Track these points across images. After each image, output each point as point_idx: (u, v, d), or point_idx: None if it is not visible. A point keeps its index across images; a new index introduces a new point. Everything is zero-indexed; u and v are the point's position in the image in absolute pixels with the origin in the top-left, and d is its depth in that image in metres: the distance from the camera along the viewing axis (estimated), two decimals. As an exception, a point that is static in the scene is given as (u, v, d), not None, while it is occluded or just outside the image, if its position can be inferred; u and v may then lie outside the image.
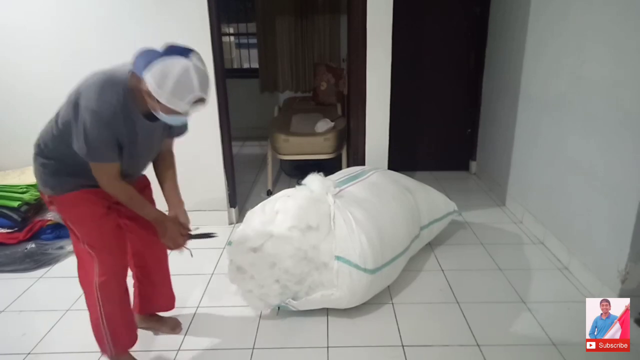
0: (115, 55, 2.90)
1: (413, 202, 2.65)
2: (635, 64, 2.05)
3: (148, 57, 1.48)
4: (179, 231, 1.80)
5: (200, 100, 1.50)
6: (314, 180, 2.35)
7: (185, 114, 1.52)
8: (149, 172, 1.92)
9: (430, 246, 2.87)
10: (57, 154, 1.67)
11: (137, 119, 1.60)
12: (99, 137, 1.52)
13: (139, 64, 1.48)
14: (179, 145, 3.07)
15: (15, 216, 2.74)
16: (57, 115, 1.67)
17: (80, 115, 1.51)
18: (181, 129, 1.88)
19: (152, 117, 1.60)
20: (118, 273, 1.81)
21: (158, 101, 1.47)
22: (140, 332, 2.01)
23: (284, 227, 2.12)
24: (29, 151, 3.07)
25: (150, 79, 1.44)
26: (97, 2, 2.83)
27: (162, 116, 1.54)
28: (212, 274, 2.65)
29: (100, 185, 1.65)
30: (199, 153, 3.11)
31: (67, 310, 2.33)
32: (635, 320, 2.09)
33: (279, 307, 2.22)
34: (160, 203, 1.91)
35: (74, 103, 1.54)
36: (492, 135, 3.81)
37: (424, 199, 2.76)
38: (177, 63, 1.43)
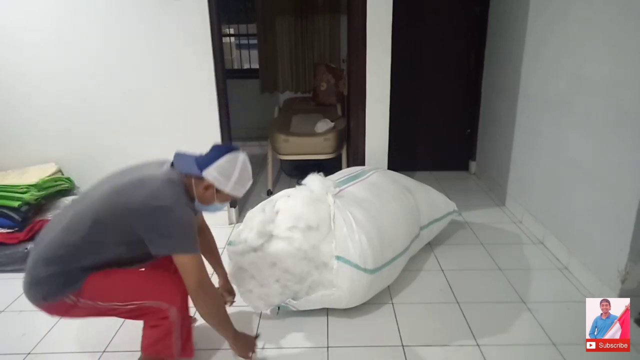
0: (115, 55, 2.94)
1: (413, 202, 2.65)
2: (635, 64, 2.05)
3: (196, 159, 1.70)
4: (248, 344, 1.88)
5: (249, 183, 1.78)
6: (314, 180, 2.36)
7: (237, 196, 1.77)
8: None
9: (430, 246, 2.87)
10: (82, 259, 1.62)
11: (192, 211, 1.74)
12: (189, 226, 1.64)
13: (189, 165, 1.69)
14: (179, 144, 3.07)
15: (15, 216, 2.74)
16: (91, 226, 1.60)
17: (167, 216, 1.58)
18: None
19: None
20: (181, 289, 1.71)
21: (218, 192, 1.70)
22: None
23: (284, 227, 2.12)
24: (29, 151, 3.12)
25: (215, 174, 1.66)
26: (97, 3, 2.83)
27: (216, 206, 1.77)
28: (212, 273, 2.64)
29: (189, 292, 1.66)
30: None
31: (67, 310, 2.32)
32: (635, 320, 2.09)
33: (279, 307, 2.22)
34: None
35: (150, 209, 1.57)
36: (492, 135, 3.81)
37: (424, 199, 2.76)
38: (237, 157, 1.70)
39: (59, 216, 1.74)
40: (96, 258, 1.64)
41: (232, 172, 1.67)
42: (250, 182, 1.76)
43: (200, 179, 1.67)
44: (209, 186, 1.68)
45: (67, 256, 1.61)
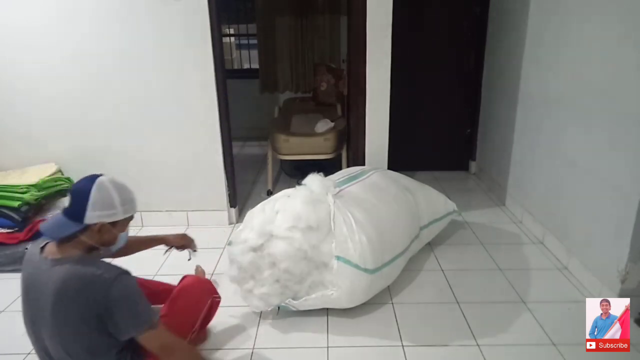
0: (115, 56, 2.94)
1: (413, 202, 2.65)
2: (635, 63, 2.05)
3: (59, 218, 1.48)
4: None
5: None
6: (314, 180, 2.35)
7: (135, 212, 1.60)
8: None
9: (430, 246, 2.87)
10: None
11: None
12: (138, 288, 1.50)
13: (63, 227, 1.46)
14: (179, 144, 3.09)
15: (15, 216, 2.74)
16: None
17: (120, 292, 1.41)
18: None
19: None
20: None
21: (114, 224, 1.51)
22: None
23: (284, 227, 2.12)
24: (29, 151, 3.12)
25: (98, 213, 1.45)
26: (98, 3, 2.83)
27: (120, 237, 1.60)
28: (212, 273, 2.65)
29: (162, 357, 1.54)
30: (199, 153, 3.11)
31: (67, 310, 2.32)
32: (635, 320, 2.10)
33: (279, 307, 2.22)
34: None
35: (93, 308, 1.40)
36: (492, 135, 3.81)
37: (424, 199, 2.76)
38: (102, 182, 1.48)
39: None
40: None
41: (110, 198, 1.47)
42: (132, 192, 1.57)
43: (86, 228, 1.46)
44: (101, 227, 1.47)
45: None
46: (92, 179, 1.49)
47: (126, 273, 1.47)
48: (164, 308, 1.83)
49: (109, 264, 1.49)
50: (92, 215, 1.45)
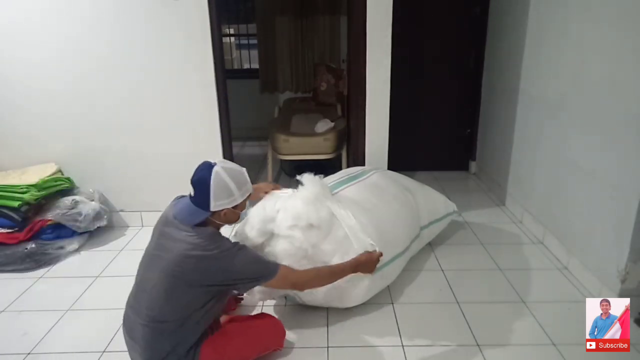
0: (115, 55, 2.94)
1: (413, 202, 2.65)
2: (635, 63, 2.05)
3: (186, 205, 1.72)
4: (369, 264, 2.08)
5: (246, 172, 1.79)
6: (309, 181, 2.31)
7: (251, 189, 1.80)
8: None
9: (430, 246, 2.87)
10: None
11: None
12: (255, 255, 1.77)
13: (195, 215, 1.69)
14: (179, 144, 3.09)
15: (15, 216, 2.74)
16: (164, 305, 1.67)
17: (240, 263, 1.68)
18: None
19: None
20: (281, 329, 2.01)
21: (237, 206, 1.74)
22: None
23: (284, 226, 2.11)
24: (29, 151, 3.12)
25: (220, 202, 1.67)
26: (97, 3, 2.83)
27: (243, 214, 1.83)
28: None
29: (301, 288, 1.96)
30: (199, 153, 3.07)
31: (67, 310, 2.33)
32: (635, 320, 2.10)
33: (286, 297, 2.25)
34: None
35: (219, 270, 1.66)
36: (492, 135, 3.81)
37: (424, 199, 2.76)
38: (218, 172, 1.67)
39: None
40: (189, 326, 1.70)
41: (228, 188, 1.68)
42: (244, 172, 1.76)
43: (213, 214, 1.70)
44: (225, 212, 1.71)
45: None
46: (209, 168, 1.67)
47: (243, 247, 1.73)
48: (234, 327, 1.92)
49: (233, 241, 1.73)
50: (216, 204, 1.67)
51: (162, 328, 1.66)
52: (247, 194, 1.75)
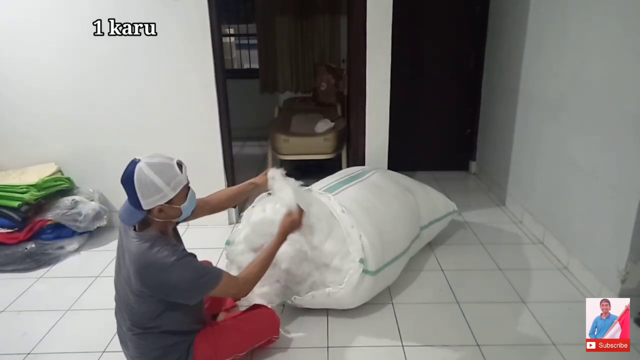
0: (115, 55, 2.94)
1: (414, 202, 2.65)
2: (635, 63, 2.05)
3: (126, 207, 1.59)
4: (293, 218, 1.98)
5: (180, 164, 1.61)
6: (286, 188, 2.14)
7: (187, 180, 1.65)
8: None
9: (430, 246, 2.87)
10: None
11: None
12: (197, 265, 1.63)
13: (131, 218, 1.59)
14: (179, 144, 3.09)
15: (15, 216, 2.74)
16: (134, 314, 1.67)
17: (175, 277, 1.57)
18: None
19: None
20: (276, 319, 2.00)
21: (172, 201, 1.58)
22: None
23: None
24: (29, 151, 3.12)
25: (150, 200, 1.53)
26: (97, 3, 2.83)
27: (185, 208, 1.64)
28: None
29: (240, 295, 1.87)
30: (199, 153, 3.11)
31: (67, 310, 2.33)
32: (635, 320, 2.09)
33: (284, 305, 2.23)
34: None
35: (156, 281, 1.58)
36: (492, 135, 3.81)
37: (424, 199, 2.75)
38: (140, 170, 1.52)
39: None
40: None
41: (154, 184, 1.52)
42: (176, 163, 1.59)
43: (149, 212, 1.57)
44: (160, 208, 1.57)
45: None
46: (133, 165, 1.54)
47: (185, 257, 1.59)
48: (228, 320, 1.94)
49: (174, 249, 1.58)
50: (146, 202, 1.54)
51: (146, 334, 1.66)
52: (180, 186, 1.58)
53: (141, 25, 2.87)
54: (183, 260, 1.57)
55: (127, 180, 1.53)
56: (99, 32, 2.88)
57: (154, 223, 1.62)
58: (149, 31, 2.88)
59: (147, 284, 1.57)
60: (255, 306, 2.04)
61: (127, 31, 2.88)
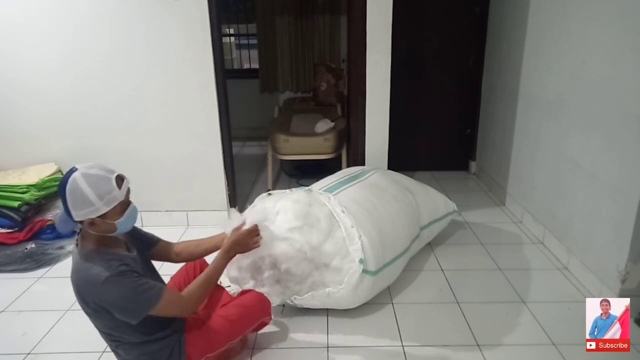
0: (115, 55, 2.94)
1: (413, 202, 2.65)
2: (635, 63, 2.05)
3: (62, 214, 1.52)
4: (245, 237, 1.85)
5: (120, 178, 1.53)
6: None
7: (126, 197, 1.55)
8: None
9: (430, 246, 2.87)
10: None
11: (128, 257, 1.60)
12: (133, 282, 1.50)
13: (64, 226, 1.53)
14: (179, 144, 3.09)
15: (15, 216, 2.74)
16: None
17: (109, 295, 1.48)
18: (140, 235, 1.86)
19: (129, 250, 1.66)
20: (266, 300, 1.97)
21: (105, 215, 1.48)
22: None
23: (284, 228, 2.12)
24: (29, 151, 3.12)
25: (80, 212, 1.45)
26: (97, 2, 2.83)
27: (121, 224, 1.54)
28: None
29: (182, 315, 1.68)
30: (199, 153, 3.11)
31: (67, 310, 2.32)
32: (635, 320, 2.10)
33: (283, 305, 2.23)
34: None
35: (96, 300, 1.50)
36: (492, 136, 3.81)
37: (424, 199, 2.75)
38: (74, 180, 1.45)
39: None
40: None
41: (84, 196, 1.43)
42: (114, 178, 1.50)
43: (82, 222, 1.48)
44: (91, 221, 1.48)
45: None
46: (69, 175, 1.46)
47: (120, 273, 1.47)
48: (219, 309, 1.87)
49: (109, 264, 1.48)
50: (77, 214, 1.46)
51: (122, 345, 1.64)
52: (115, 203, 1.48)
53: (141, 25, 2.87)
54: (118, 277, 1.46)
55: (61, 187, 1.46)
56: (99, 32, 2.88)
57: (88, 236, 1.53)
58: (149, 31, 2.88)
59: (85, 302, 1.51)
60: (244, 291, 1.99)
61: (127, 31, 2.88)
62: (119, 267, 1.48)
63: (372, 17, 2.92)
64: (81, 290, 1.51)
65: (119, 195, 1.50)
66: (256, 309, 1.89)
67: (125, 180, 1.54)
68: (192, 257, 1.93)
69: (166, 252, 1.88)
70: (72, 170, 1.48)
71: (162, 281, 1.79)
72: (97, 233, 1.52)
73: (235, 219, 1.93)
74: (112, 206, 1.48)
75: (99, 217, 1.47)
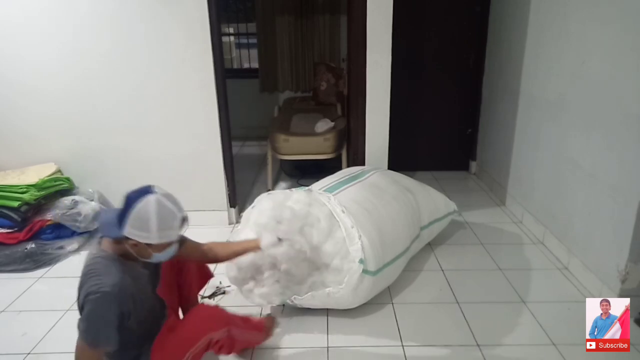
0: (115, 55, 2.94)
1: (414, 202, 2.65)
2: (635, 63, 2.05)
3: (114, 216, 1.51)
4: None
5: (184, 220, 1.54)
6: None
7: (177, 238, 1.57)
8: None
9: (430, 246, 2.87)
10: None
11: (140, 274, 1.61)
12: (95, 310, 1.48)
13: (109, 228, 1.52)
14: (179, 144, 3.09)
15: (15, 216, 2.74)
16: None
17: (81, 305, 1.49)
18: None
19: (145, 266, 1.65)
20: (220, 314, 1.82)
21: (149, 245, 1.49)
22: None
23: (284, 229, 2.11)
24: (29, 151, 3.12)
25: (133, 231, 1.46)
26: (96, 2, 2.83)
27: (157, 256, 1.56)
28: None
29: None
30: (199, 153, 3.11)
31: (67, 310, 2.32)
32: (635, 320, 2.10)
33: (283, 305, 2.22)
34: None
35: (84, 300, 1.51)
36: (492, 136, 3.81)
37: (424, 199, 2.75)
38: (148, 202, 1.46)
39: None
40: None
41: (148, 223, 1.45)
42: (180, 219, 1.52)
43: (126, 237, 1.48)
44: (136, 244, 1.49)
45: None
46: (145, 192, 1.48)
47: (106, 294, 1.45)
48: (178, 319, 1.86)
49: (111, 277, 1.47)
50: (130, 232, 1.46)
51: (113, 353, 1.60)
52: (168, 240, 1.51)
53: (141, 25, 2.87)
54: (94, 296, 1.45)
55: (130, 200, 1.47)
56: (99, 32, 2.88)
57: (118, 245, 1.53)
58: (149, 31, 2.88)
59: (78, 296, 1.52)
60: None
61: (127, 31, 2.88)
62: (102, 287, 1.46)
63: (372, 17, 2.92)
64: (78, 292, 1.53)
65: (174, 236, 1.53)
66: (203, 320, 1.76)
67: (187, 222, 1.55)
68: (217, 259, 1.95)
69: (193, 252, 1.86)
70: (149, 190, 1.49)
71: (161, 302, 1.77)
72: (132, 252, 1.52)
73: (270, 230, 1.98)
74: (163, 241, 1.51)
75: (146, 243, 1.48)
